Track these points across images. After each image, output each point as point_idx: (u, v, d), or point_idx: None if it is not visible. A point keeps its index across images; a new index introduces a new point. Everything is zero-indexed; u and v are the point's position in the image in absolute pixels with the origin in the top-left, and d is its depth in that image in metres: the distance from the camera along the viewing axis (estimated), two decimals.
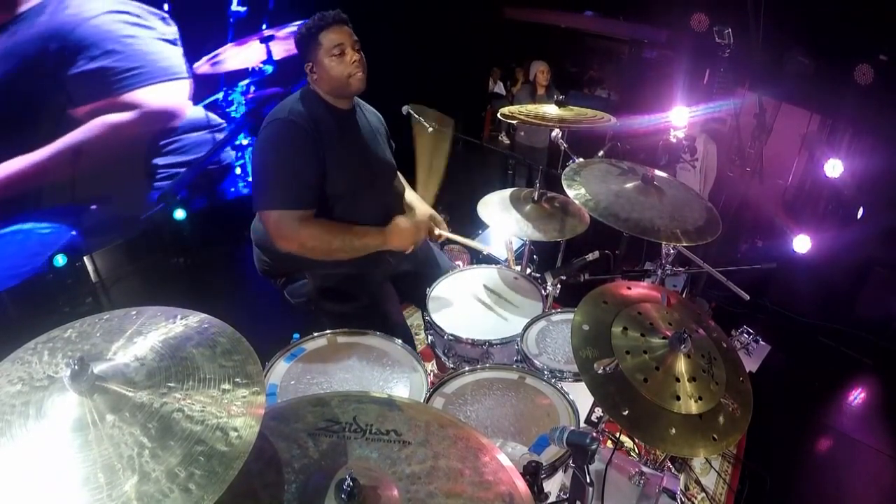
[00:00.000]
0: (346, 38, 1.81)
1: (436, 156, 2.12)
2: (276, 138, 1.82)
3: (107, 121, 2.24)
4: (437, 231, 2.18)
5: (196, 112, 2.38)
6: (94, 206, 2.40)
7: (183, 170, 2.44)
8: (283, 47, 2.58)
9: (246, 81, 2.44)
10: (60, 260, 3.23)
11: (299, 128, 1.79)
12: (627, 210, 1.84)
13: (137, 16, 2.17)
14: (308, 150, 1.79)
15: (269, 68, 2.48)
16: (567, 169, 2.05)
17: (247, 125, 2.56)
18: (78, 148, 2.29)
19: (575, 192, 1.91)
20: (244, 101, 2.45)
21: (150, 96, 2.25)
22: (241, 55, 2.44)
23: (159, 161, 2.38)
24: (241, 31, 2.46)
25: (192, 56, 2.39)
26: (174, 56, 2.25)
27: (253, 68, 2.49)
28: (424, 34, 4.85)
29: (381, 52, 2.09)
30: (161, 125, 2.33)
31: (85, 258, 3.47)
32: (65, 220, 2.46)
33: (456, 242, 2.17)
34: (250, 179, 1.80)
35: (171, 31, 2.24)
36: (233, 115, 2.42)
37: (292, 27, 2.57)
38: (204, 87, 2.43)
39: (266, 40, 2.48)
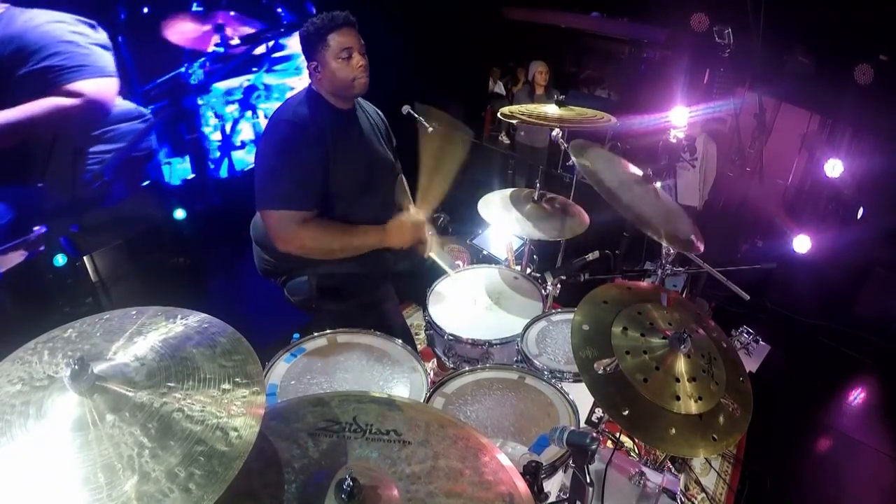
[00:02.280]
0: (354, 41, 1.81)
1: (442, 163, 2.09)
2: (279, 139, 1.83)
3: (52, 102, 2.66)
4: (425, 249, 2.15)
5: (126, 105, 2.88)
6: (40, 185, 2.77)
7: (111, 155, 2.92)
8: (232, 33, 3.22)
9: (202, 59, 3.08)
10: (60, 260, 3.23)
11: (303, 129, 1.79)
12: (629, 197, 1.84)
13: (73, 23, 2.65)
14: (311, 151, 1.79)
15: (221, 49, 3.12)
16: (575, 141, 2.03)
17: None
18: (27, 122, 2.64)
19: (581, 163, 1.89)
20: (202, 74, 3.06)
21: (88, 88, 2.71)
22: (201, 40, 3.11)
23: (96, 148, 2.85)
24: (199, 22, 3.15)
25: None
26: (105, 57, 2.74)
27: (209, 50, 3.17)
28: (424, 34, 4.84)
29: (380, 51, 2.10)
30: (94, 114, 2.78)
31: (85, 258, 3.47)
32: (13, 199, 2.78)
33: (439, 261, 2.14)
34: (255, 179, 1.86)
35: (102, 37, 2.73)
36: (192, 82, 3.05)
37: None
38: (172, 62, 3.02)
39: (219, 29, 3.11)
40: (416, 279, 2.25)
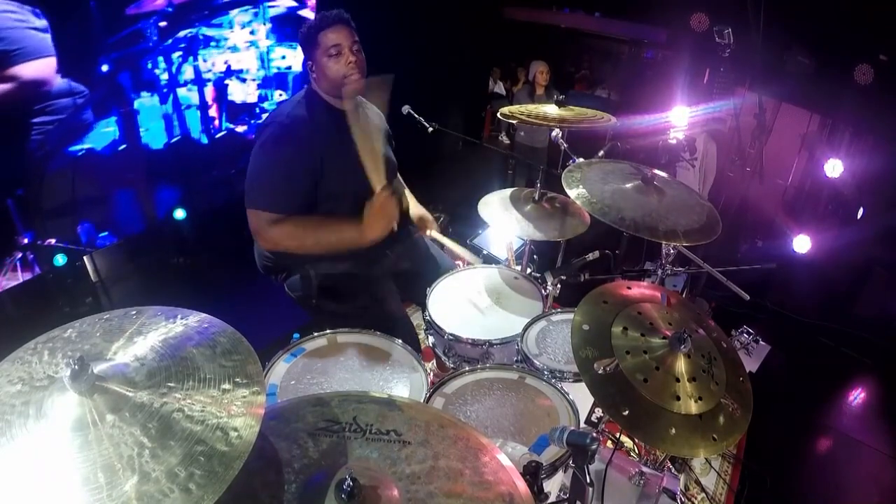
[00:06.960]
0: (344, 38, 1.81)
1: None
2: (266, 140, 1.85)
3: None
4: (428, 231, 2.18)
5: (62, 82, 3.30)
6: None
7: (52, 126, 3.31)
8: None
9: (154, 17, 3.77)
10: (60, 260, 3.23)
11: (294, 133, 1.81)
12: (632, 209, 1.83)
13: (17, 12, 3.02)
14: (300, 156, 1.80)
15: (169, 9, 3.80)
16: (567, 169, 2.04)
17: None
18: None
19: (575, 193, 1.90)
20: (156, 29, 3.79)
21: (27, 69, 3.12)
22: (153, 3, 3.75)
23: (36, 120, 3.25)
24: None
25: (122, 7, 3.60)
26: (45, 41, 3.15)
27: (158, 10, 3.81)
28: (425, 34, 4.85)
29: (380, 51, 2.10)
30: (35, 89, 3.18)
31: (85, 258, 3.47)
32: None
33: (445, 244, 2.20)
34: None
35: (42, 23, 3.14)
36: (147, 34, 3.78)
37: None
38: (130, 22, 3.65)
39: None
40: (417, 278, 2.24)
